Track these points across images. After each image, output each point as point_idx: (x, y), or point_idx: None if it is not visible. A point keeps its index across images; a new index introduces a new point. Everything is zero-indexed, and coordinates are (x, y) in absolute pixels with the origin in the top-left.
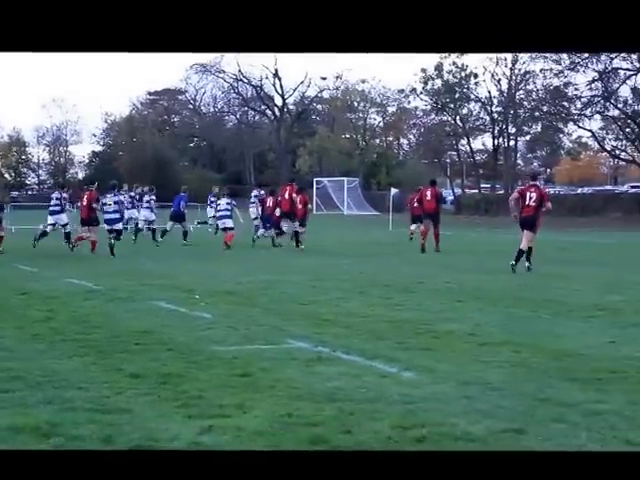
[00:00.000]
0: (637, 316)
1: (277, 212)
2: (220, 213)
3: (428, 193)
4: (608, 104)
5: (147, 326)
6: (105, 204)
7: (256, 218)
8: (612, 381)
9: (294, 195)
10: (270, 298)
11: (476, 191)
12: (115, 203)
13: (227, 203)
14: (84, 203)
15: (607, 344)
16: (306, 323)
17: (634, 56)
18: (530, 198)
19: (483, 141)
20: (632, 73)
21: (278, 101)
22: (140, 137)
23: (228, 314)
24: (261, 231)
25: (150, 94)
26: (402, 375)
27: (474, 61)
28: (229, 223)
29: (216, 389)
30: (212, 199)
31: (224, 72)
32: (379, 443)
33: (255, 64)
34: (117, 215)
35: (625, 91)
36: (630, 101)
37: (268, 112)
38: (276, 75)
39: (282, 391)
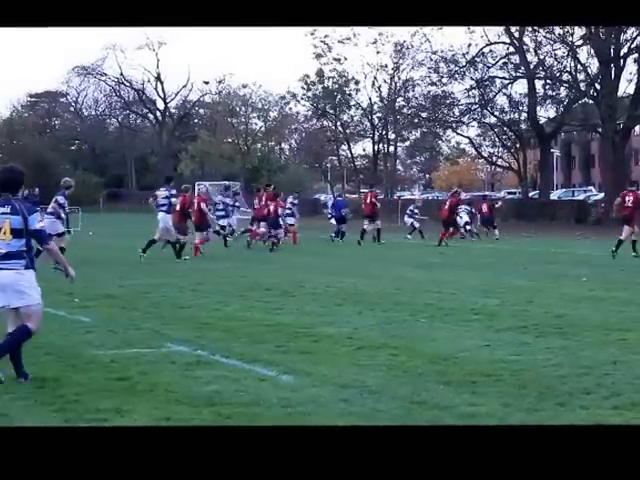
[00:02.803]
0: (512, 320)
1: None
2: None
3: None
4: (485, 112)
5: None
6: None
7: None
8: (486, 384)
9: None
10: (151, 302)
11: (356, 196)
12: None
13: None
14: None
15: (482, 348)
16: (186, 327)
17: (510, 65)
18: (628, 200)
19: (364, 146)
20: (508, 82)
21: (160, 105)
22: (20, 140)
23: (108, 318)
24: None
25: (31, 96)
26: (281, 379)
27: (355, 67)
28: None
29: (93, 393)
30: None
31: (106, 75)
32: None
33: (137, 67)
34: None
35: (501, 99)
36: (506, 109)
37: (150, 116)
38: (158, 79)
39: (160, 395)
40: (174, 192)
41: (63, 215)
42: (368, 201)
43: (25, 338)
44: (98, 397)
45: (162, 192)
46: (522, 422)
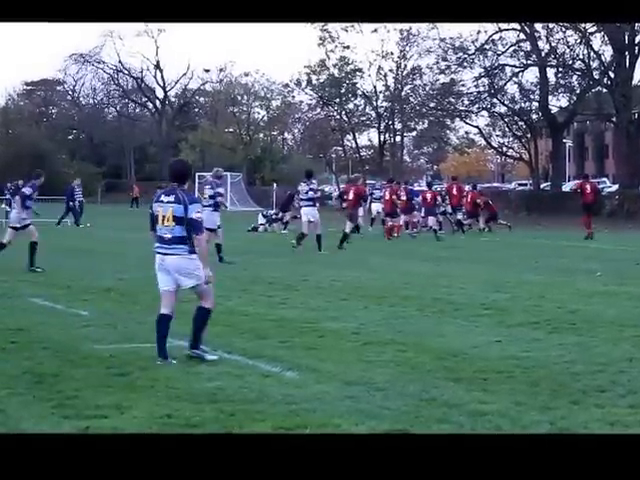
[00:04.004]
0: (523, 315)
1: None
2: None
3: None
4: (495, 101)
5: (22, 324)
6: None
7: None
8: (498, 381)
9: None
10: (151, 295)
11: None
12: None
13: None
14: (386, 197)
15: (493, 343)
16: (187, 321)
17: (521, 53)
18: None
19: (369, 137)
20: (519, 70)
21: (159, 93)
22: (16, 129)
23: (107, 311)
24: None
25: (27, 84)
26: (285, 375)
27: (360, 55)
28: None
29: (93, 389)
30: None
31: (104, 63)
32: None
33: (135, 55)
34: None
35: (512, 88)
36: (517, 98)
37: (149, 104)
38: (157, 67)
39: (161, 391)
40: (314, 186)
41: (223, 205)
42: (455, 192)
43: (207, 318)
44: (97, 393)
45: (304, 187)
46: (534, 421)
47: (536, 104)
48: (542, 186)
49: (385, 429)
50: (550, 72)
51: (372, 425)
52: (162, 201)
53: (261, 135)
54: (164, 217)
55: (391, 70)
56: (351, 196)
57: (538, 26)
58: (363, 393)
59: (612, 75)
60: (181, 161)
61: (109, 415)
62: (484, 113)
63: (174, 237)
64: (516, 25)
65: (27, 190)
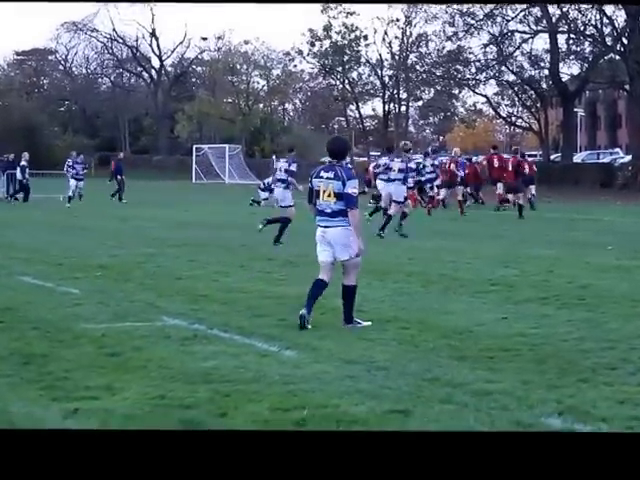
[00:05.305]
0: (532, 291)
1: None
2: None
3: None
4: (503, 69)
5: (11, 302)
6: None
7: None
8: (504, 359)
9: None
10: (145, 272)
11: (365, 159)
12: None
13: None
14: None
15: (499, 321)
16: (182, 299)
17: (531, 18)
18: None
19: (373, 106)
20: (529, 36)
21: (155, 63)
22: (6, 101)
23: (99, 289)
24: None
25: (17, 54)
26: (283, 354)
27: (365, 22)
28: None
29: (83, 369)
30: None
31: (97, 31)
32: (256, 426)
33: (130, 23)
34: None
35: (521, 55)
36: (526, 66)
37: (144, 74)
38: (153, 35)
39: (154, 371)
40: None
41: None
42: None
43: (354, 293)
44: (88, 374)
45: (383, 160)
46: (541, 399)
47: (546, 72)
48: (552, 157)
49: (386, 410)
50: (561, 38)
51: (372, 405)
52: (322, 177)
53: (261, 106)
54: (324, 192)
55: (396, 37)
56: (510, 168)
57: None
58: (363, 372)
59: (625, 42)
60: (340, 138)
61: (100, 396)
62: (492, 82)
63: (334, 211)
64: None
65: (294, 167)
